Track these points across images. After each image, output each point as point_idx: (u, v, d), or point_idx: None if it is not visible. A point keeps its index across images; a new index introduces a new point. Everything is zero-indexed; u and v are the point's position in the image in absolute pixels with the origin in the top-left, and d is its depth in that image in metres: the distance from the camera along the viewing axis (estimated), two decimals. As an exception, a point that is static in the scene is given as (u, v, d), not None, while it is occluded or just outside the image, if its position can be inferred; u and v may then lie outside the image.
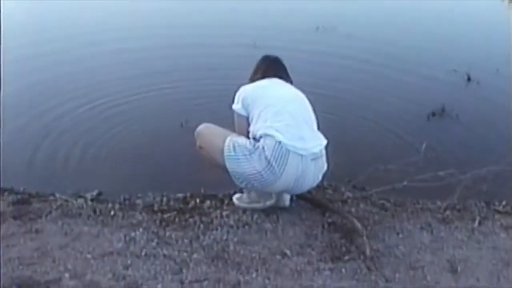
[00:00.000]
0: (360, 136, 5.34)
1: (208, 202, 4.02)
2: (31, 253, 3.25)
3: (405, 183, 4.02)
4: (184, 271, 3.19)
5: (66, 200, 3.91)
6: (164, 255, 3.31)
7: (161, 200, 4.06)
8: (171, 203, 4.02)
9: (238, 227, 3.69)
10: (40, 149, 4.78)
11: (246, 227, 3.69)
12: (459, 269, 3.39)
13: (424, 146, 4.15)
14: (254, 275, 3.20)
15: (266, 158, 3.46)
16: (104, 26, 8.18)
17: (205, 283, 3.10)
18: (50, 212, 3.75)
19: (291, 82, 3.95)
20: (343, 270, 3.31)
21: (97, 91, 5.86)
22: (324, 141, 3.70)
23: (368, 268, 3.33)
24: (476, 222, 3.95)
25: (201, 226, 3.68)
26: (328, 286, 3.16)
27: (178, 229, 3.63)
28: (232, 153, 3.56)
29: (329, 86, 6.03)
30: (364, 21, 10.25)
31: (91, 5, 9.47)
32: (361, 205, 4.08)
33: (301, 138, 3.53)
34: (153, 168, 4.65)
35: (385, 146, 5.15)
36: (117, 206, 3.91)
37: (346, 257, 3.44)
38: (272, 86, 3.82)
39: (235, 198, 3.98)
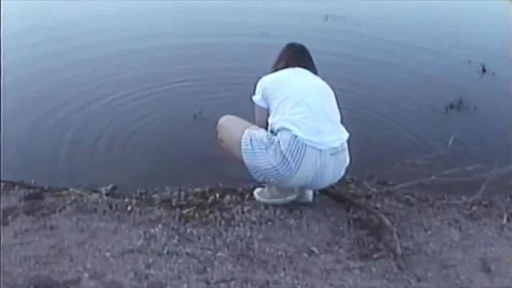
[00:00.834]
0: (379, 130, 5.17)
1: (228, 197, 3.87)
2: (47, 251, 3.10)
3: (433, 178, 3.85)
4: (209, 270, 3.05)
5: (80, 195, 3.75)
6: (187, 253, 3.17)
7: (179, 195, 3.90)
8: (190, 198, 3.87)
9: (261, 223, 3.55)
10: (51, 143, 4.59)
11: (270, 223, 3.56)
12: (492, 268, 3.28)
13: (451, 139, 3.97)
14: (282, 274, 3.06)
15: (281, 152, 3.32)
16: (114, 24, 7.91)
17: (232, 283, 2.96)
18: (64, 207, 3.59)
19: (315, 72, 3.77)
20: (373, 269, 3.19)
21: (108, 86, 5.64)
22: (346, 135, 3.54)
23: (399, 267, 3.21)
24: (505, 219, 3.85)
25: (223, 222, 3.54)
26: (359, 285, 3.04)
27: (198, 225, 3.49)
28: (249, 147, 3.43)
29: (340, 78, 5.82)
30: (374, 10, 10.04)
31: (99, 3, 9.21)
32: (386, 200, 3.96)
33: (319, 132, 3.37)
34: (168, 161, 4.48)
35: (406, 140, 4.99)
36: (133, 201, 3.74)
37: (375, 255, 3.32)
38: (293, 76, 3.66)
39: (256, 192, 3.84)
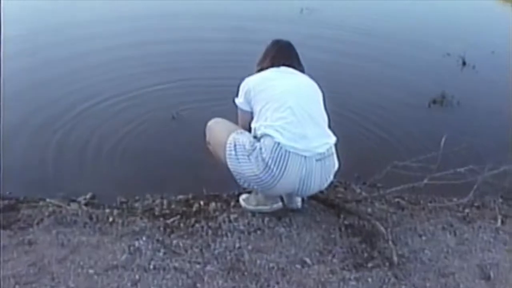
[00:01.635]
0: (363, 130, 5.04)
1: (213, 204, 3.70)
2: (27, 269, 2.90)
3: (426, 181, 3.73)
4: (199, 286, 2.90)
5: (58, 206, 3.56)
6: (175, 268, 3.01)
7: (162, 203, 3.73)
8: (173, 206, 3.70)
9: (249, 233, 3.39)
10: (25, 151, 4.36)
11: (258, 232, 3.41)
12: (492, 275, 3.18)
13: (443, 140, 3.85)
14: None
15: (263, 160, 3.17)
16: (89, 27, 7.57)
17: (224, 299, 2.79)
18: (42, 219, 3.39)
19: (302, 70, 3.63)
20: (370, 280, 3.07)
21: (82, 93, 5.36)
22: (333, 139, 3.37)
23: (396, 277, 3.11)
24: (499, 221, 3.77)
25: (209, 232, 3.38)
26: (357, 297, 2.89)
27: (184, 236, 3.32)
28: (233, 152, 3.29)
29: (317, 76, 5.67)
30: (350, 3, 9.89)
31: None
32: (376, 204, 3.85)
33: (303, 137, 3.21)
34: (148, 167, 4.29)
35: (393, 142, 4.88)
36: (115, 211, 3.56)
37: (370, 264, 3.20)
38: (277, 78, 3.49)
39: (241, 199, 3.69)
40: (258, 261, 3.13)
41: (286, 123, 3.21)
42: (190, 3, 8.92)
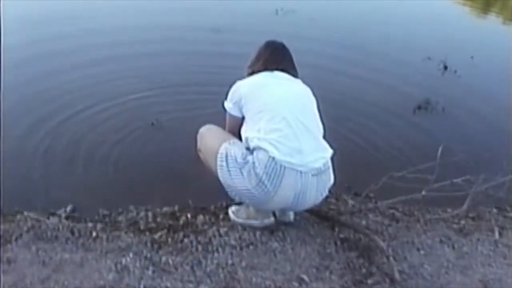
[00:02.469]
0: (349, 140, 4.87)
1: (201, 217, 3.52)
2: (7, 292, 2.68)
3: (423, 192, 3.60)
4: (193, 307, 2.69)
5: (37, 220, 3.33)
6: (167, 288, 2.80)
7: (146, 216, 3.54)
8: (159, 219, 3.50)
9: (241, 248, 3.22)
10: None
11: (251, 247, 3.24)
12: (495, 291, 3.03)
13: (440, 150, 3.74)
14: (274, 308, 2.73)
15: (257, 175, 3.00)
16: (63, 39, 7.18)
17: (221, 322, 2.61)
18: (21, 235, 3.15)
19: (296, 75, 3.47)
20: (371, 298, 2.89)
21: (55, 102, 5.06)
22: (329, 152, 3.22)
23: (398, 294, 2.93)
24: (496, 233, 3.69)
25: (199, 247, 3.19)
26: (360, 319, 2.74)
27: (173, 252, 3.13)
28: (224, 164, 3.12)
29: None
30: (326, 4, 9.77)
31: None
32: (370, 216, 3.71)
33: (299, 151, 3.05)
34: (130, 177, 4.06)
35: (383, 152, 4.74)
36: (98, 225, 3.34)
37: (370, 281, 3.06)
38: (270, 84, 3.32)
39: (231, 211, 3.51)
40: (254, 279, 2.96)
41: (280, 136, 3.04)
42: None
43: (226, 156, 3.12)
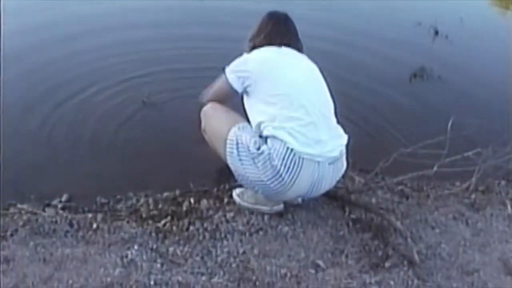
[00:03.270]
0: (351, 116, 4.65)
1: (204, 202, 3.35)
2: (8, 294, 2.50)
3: (435, 168, 3.46)
4: (210, 303, 2.54)
5: (33, 212, 3.14)
6: (179, 283, 2.67)
7: (147, 203, 3.34)
8: (160, 205, 3.32)
9: (251, 234, 3.08)
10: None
11: (261, 232, 3.09)
12: (516, 270, 2.93)
13: (450, 124, 3.59)
14: (293, 298, 2.58)
15: (273, 167, 2.83)
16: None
17: (240, 317, 2.47)
18: (17, 230, 2.96)
19: (301, 49, 3.27)
20: (392, 283, 2.84)
21: (50, 83, 4.76)
22: (345, 139, 3.08)
23: (418, 277, 2.85)
24: (509, 207, 3.62)
25: (207, 235, 3.04)
26: (383, 304, 2.61)
27: (180, 242, 2.98)
28: (235, 152, 2.95)
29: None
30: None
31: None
32: (379, 193, 3.58)
33: (318, 141, 2.90)
34: (126, 161, 3.83)
35: (387, 126, 4.56)
36: (98, 215, 3.15)
37: (387, 264, 2.96)
38: (282, 64, 3.09)
39: (235, 194, 3.35)
40: (268, 268, 2.83)
41: (299, 126, 2.87)
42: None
43: (237, 143, 2.95)
